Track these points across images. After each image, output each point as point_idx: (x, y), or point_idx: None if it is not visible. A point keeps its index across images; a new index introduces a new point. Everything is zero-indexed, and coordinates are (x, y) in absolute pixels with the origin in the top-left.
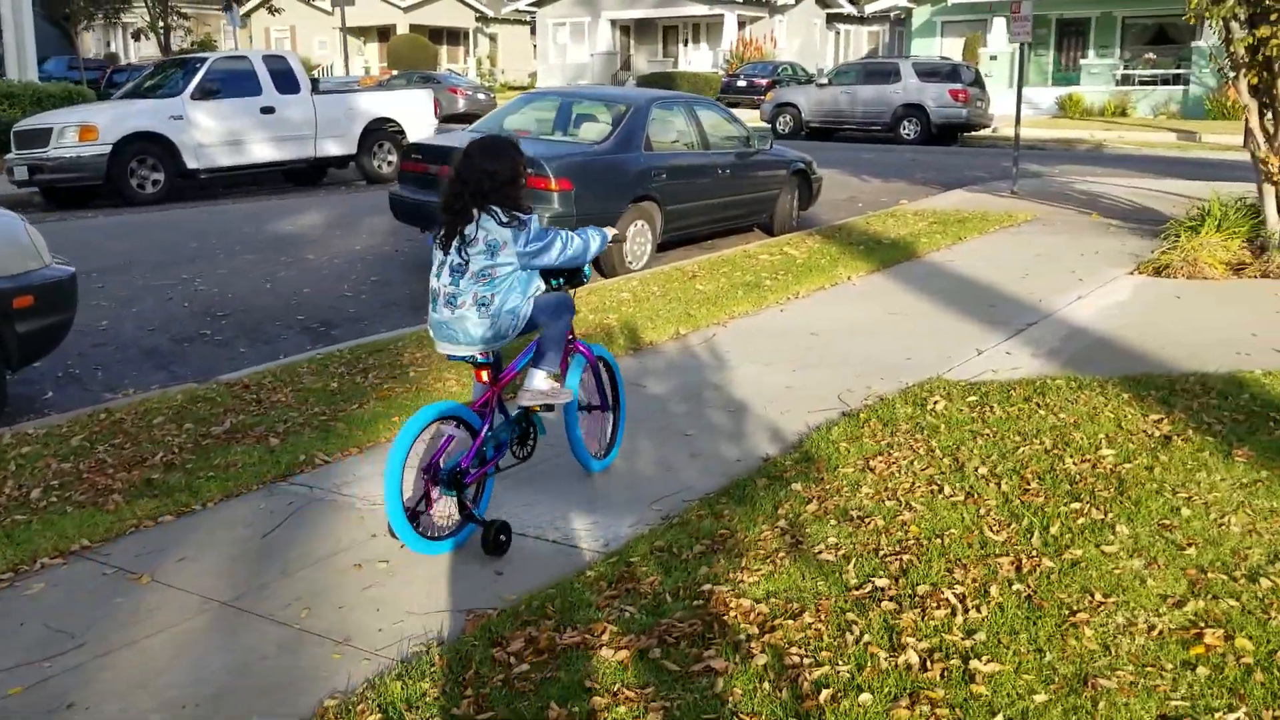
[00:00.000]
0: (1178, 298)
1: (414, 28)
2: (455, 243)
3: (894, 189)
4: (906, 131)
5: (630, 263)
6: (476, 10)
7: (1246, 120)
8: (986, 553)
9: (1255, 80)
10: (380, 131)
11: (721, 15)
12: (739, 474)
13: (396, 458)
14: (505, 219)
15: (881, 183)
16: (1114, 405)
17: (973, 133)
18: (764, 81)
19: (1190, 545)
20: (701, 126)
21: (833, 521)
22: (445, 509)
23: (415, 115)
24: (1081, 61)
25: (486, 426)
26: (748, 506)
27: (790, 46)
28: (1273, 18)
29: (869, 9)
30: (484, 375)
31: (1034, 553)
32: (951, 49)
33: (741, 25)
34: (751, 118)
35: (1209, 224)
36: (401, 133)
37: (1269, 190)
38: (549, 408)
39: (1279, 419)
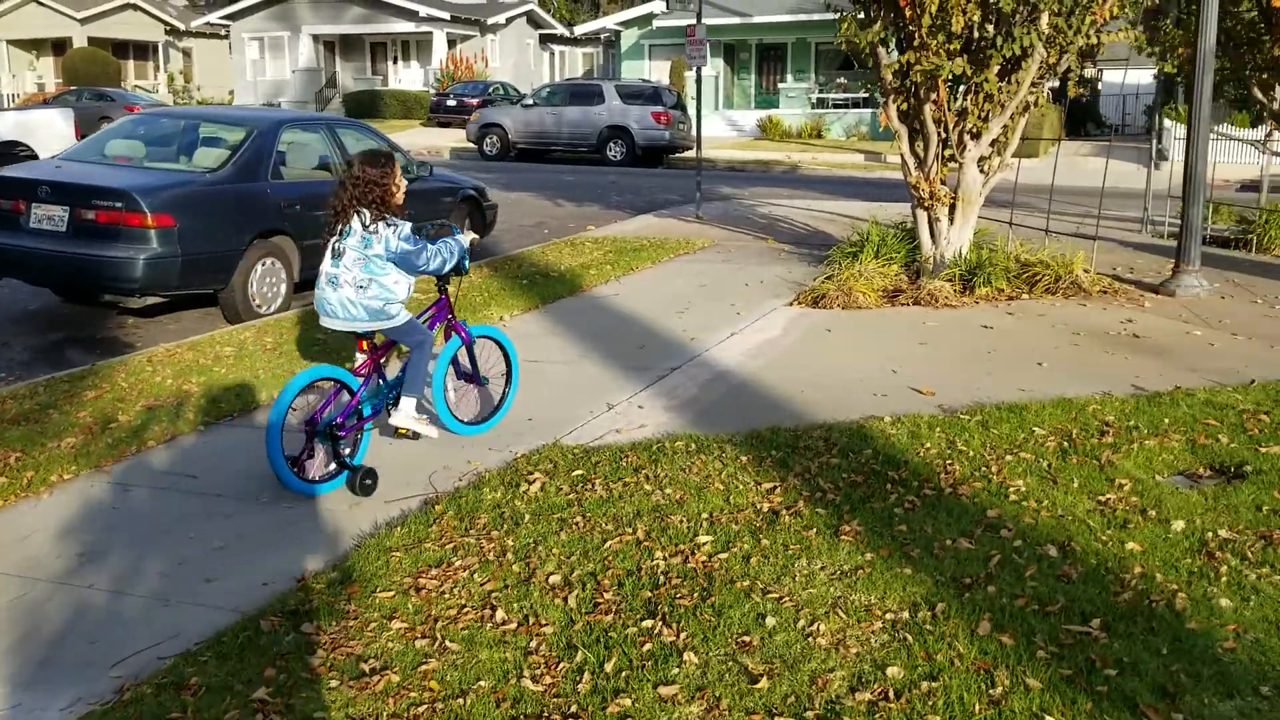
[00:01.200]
0: (828, 330)
1: (94, 41)
2: (338, 235)
3: (586, 214)
4: (613, 153)
5: (260, 306)
6: (165, 23)
7: (899, 146)
8: (517, 714)
9: (904, 106)
10: (9, 156)
11: (430, 33)
12: (252, 606)
13: (278, 411)
14: (370, 222)
15: (575, 207)
16: (729, 472)
17: (677, 154)
18: (475, 101)
19: (765, 674)
20: (346, 151)
21: (332, 682)
22: (323, 458)
23: (50, 137)
24: (780, 85)
25: (363, 388)
26: (233, 663)
27: (504, 66)
28: (916, 43)
29: (580, 30)
30: (364, 345)
31: (574, 709)
32: (659, 71)
33: (452, 43)
34: (460, 138)
35: (868, 250)
36: (34, 157)
37: (922, 215)
38: (414, 434)
39: (897, 479)
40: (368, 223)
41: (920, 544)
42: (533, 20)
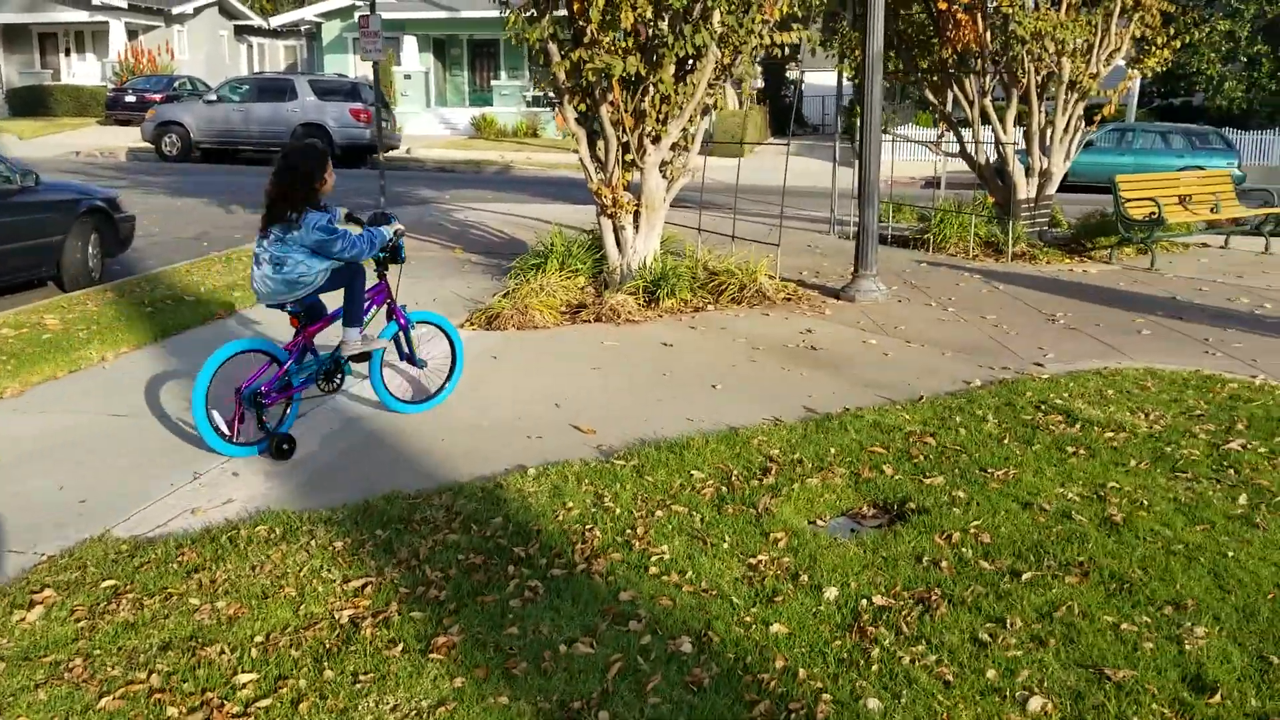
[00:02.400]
0: (495, 358)
1: None
2: (270, 222)
3: (256, 222)
4: None
5: None
6: None
7: (578, 150)
8: None
9: (582, 107)
10: None
11: (106, 23)
12: None
13: (203, 378)
14: (294, 213)
15: (250, 214)
16: (314, 566)
17: (382, 154)
18: (157, 97)
19: None
20: None
21: None
22: (251, 423)
23: None
24: (494, 83)
25: (291, 361)
26: None
27: (194, 59)
28: (587, 40)
29: (278, 22)
30: (295, 322)
31: None
32: (365, 66)
33: (133, 35)
34: (136, 138)
35: (552, 261)
36: None
37: (606, 224)
38: (364, 356)
39: (524, 556)
40: (291, 211)
41: (530, 653)
42: (225, 10)
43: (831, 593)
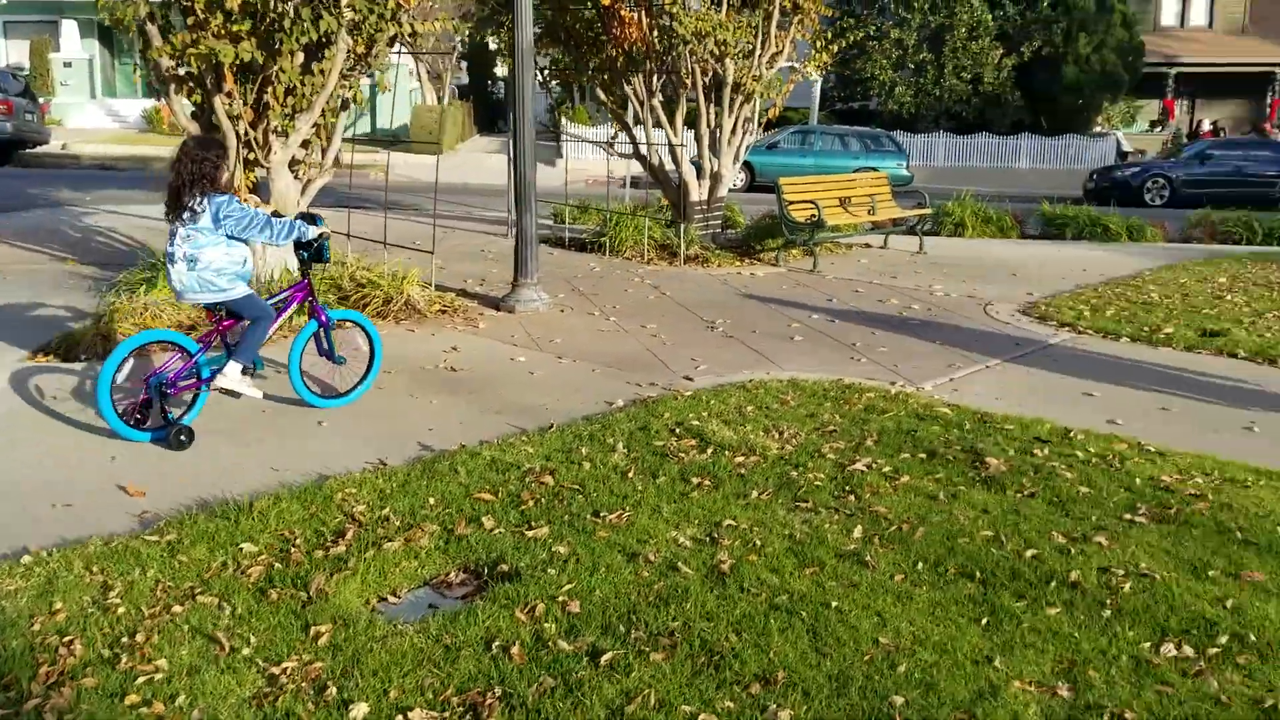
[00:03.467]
0: (55, 398)
1: None
2: (173, 214)
3: None
4: None
5: None
6: None
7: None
8: None
9: (196, 98)
10: None
11: None
12: None
13: (109, 366)
14: (200, 197)
15: None
16: None
17: (30, 150)
18: None
19: None
20: None
21: None
22: (157, 411)
23: None
24: None
25: (201, 353)
26: None
27: None
28: (192, 21)
29: None
30: (210, 315)
31: None
32: (18, 52)
33: None
34: None
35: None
36: None
37: None
38: (234, 393)
39: None
40: (195, 199)
41: None
42: None
43: (360, 710)
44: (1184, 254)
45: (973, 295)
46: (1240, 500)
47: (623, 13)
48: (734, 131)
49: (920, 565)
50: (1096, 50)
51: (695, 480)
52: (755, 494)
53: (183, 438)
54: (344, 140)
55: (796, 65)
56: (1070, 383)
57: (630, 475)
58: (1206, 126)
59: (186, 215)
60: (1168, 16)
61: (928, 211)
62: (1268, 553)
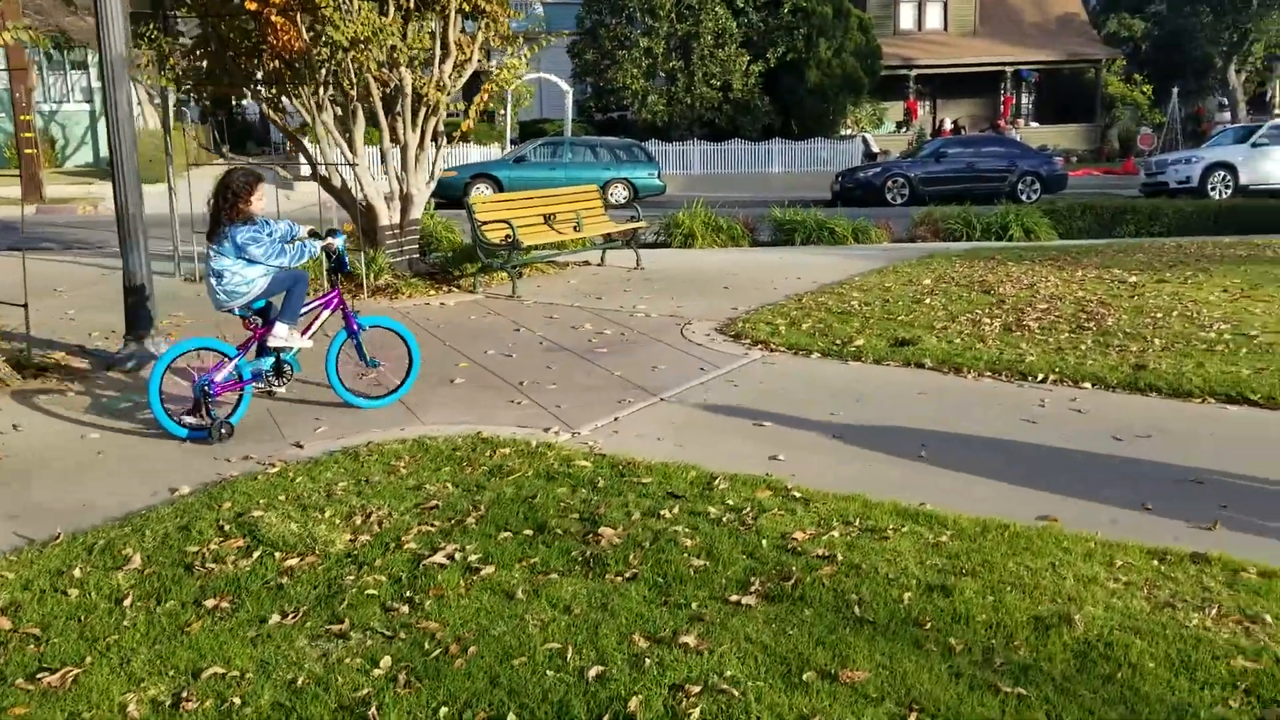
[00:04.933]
0: None
1: None
2: (210, 237)
3: None
4: None
5: None
6: None
7: None
8: None
9: None
10: None
11: None
12: None
13: (158, 369)
14: (226, 225)
15: None
16: None
17: None
18: None
19: None
20: None
21: None
22: (202, 411)
23: None
24: None
25: (240, 356)
26: None
27: None
28: None
29: None
30: (246, 324)
31: None
32: None
33: None
34: None
35: None
36: None
37: None
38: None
39: None
40: (224, 225)
41: None
42: None
43: None
44: (902, 254)
45: (675, 314)
46: (873, 559)
47: (273, 18)
48: (422, 147)
49: (443, 712)
50: (837, 54)
51: (210, 603)
52: (279, 618)
53: (223, 431)
54: (56, 171)
55: (553, 77)
56: (743, 413)
57: (127, 603)
58: (948, 125)
59: (216, 239)
60: (906, 20)
61: (640, 225)
62: (883, 635)
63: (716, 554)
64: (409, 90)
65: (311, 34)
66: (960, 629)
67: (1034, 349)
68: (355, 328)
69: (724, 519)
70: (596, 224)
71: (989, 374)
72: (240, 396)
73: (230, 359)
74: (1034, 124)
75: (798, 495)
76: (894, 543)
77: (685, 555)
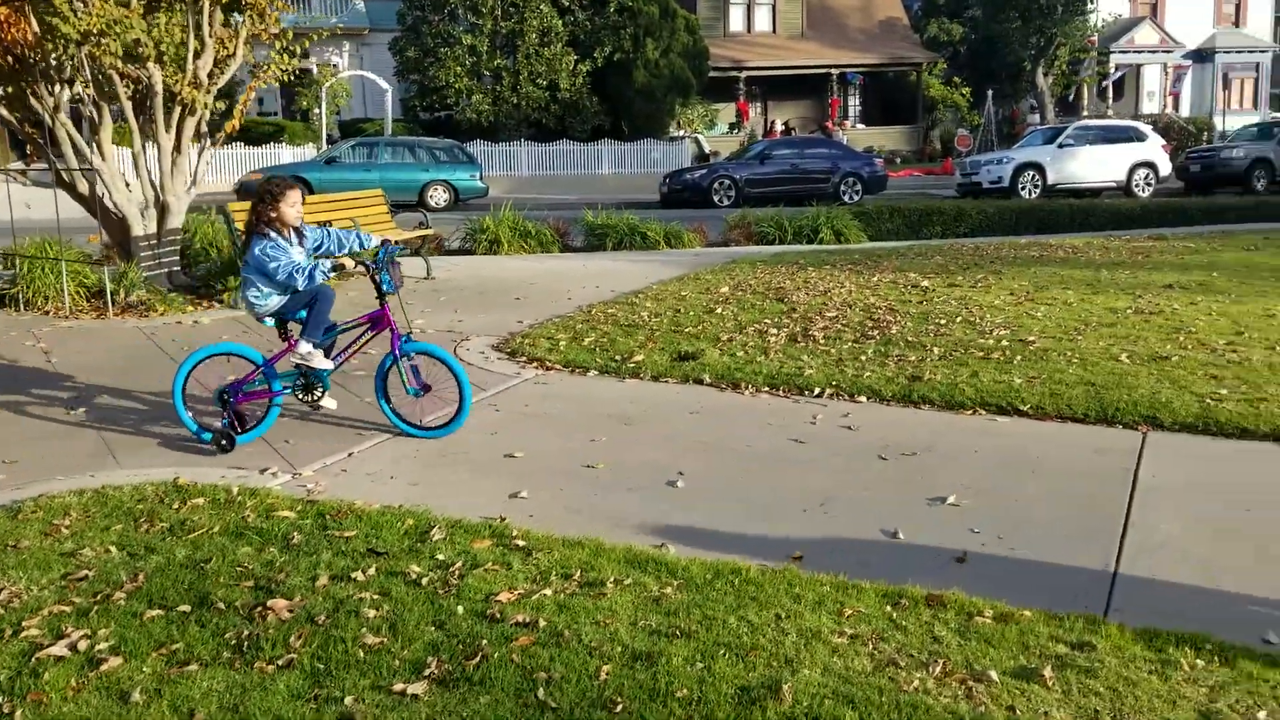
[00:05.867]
0: None
1: None
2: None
3: None
4: None
5: None
6: None
7: None
8: None
9: None
10: None
11: None
12: None
13: (181, 372)
14: (249, 237)
15: None
16: None
17: None
18: None
19: None
20: None
21: None
22: (229, 415)
23: None
24: None
25: (268, 365)
26: None
27: None
28: None
29: None
30: (280, 333)
31: None
32: None
33: None
34: None
35: None
36: None
37: None
38: (310, 370)
39: None
40: (250, 236)
41: None
42: None
43: None
44: (710, 260)
45: (453, 330)
46: (581, 622)
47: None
48: (179, 150)
49: None
50: (665, 55)
51: None
52: None
53: (223, 441)
54: None
55: (372, 75)
56: (497, 444)
57: None
58: (779, 126)
59: (244, 249)
60: (735, 23)
61: (428, 232)
62: None
63: (400, 627)
64: (159, 88)
65: (42, 27)
66: (656, 709)
67: (815, 361)
68: (398, 354)
69: (425, 579)
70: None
71: (767, 389)
72: (268, 409)
73: (257, 366)
74: (861, 125)
75: (520, 544)
76: (611, 599)
77: (362, 631)
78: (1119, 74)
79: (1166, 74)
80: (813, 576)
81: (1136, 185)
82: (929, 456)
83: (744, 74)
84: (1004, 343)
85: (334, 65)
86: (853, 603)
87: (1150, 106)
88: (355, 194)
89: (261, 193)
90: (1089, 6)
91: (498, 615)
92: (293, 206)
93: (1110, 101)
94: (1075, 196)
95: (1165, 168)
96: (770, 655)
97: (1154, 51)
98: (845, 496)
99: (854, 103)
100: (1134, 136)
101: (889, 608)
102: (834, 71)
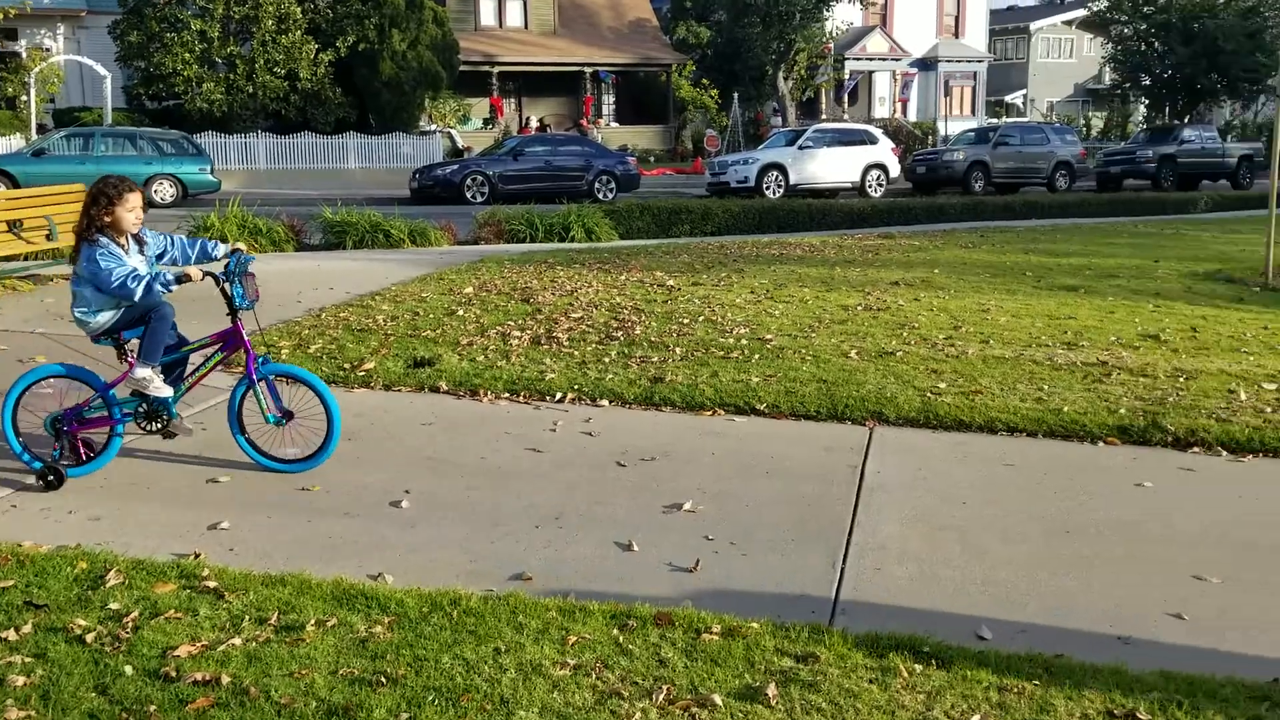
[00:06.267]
0: None
1: None
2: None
3: None
4: None
5: None
6: None
7: None
8: None
9: None
10: None
11: None
12: None
13: (9, 398)
14: (77, 240)
15: None
16: None
17: None
18: None
19: None
20: None
21: None
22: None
23: None
24: None
25: (109, 390)
26: None
27: None
28: None
29: None
30: (118, 354)
31: None
32: None
33: None
34: None
35: None
36: None
37: None
38: (146, 398)
39: None
40: (80, 242)
41: None
42: None
43: None
44: (457, 259)
45: None
46: (273, 674)
47: None
48: None
49: None
50: (412, 47)
51: None
52: None
53: (49, 478)
54: None
55: (89, 60)
56: (201, 465)
57: None
58: (534, 123)
59: (71, 257)
60: (487, 17)
61: (56, 244)
62: None
63: (53, 696)
64: None
65: None
66: None
67: (558, 364)
68: (255, 377)
69: (93, 635)
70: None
71: (507, 395)
72: (109, 439)
73: (97, 391)
74: (615, 124)
75: (211, 586)
76: (311, 645)
77: (6, 705)
78: (853, 80)
79: (896, 80)
80: (538, 601)
81: (870, 186)
82: (667, 462)
83: (497, 69)
84: (743, 342)
85: (46, 49)
86: (579, 628)
87: (882, 111)
88: (56, 189)
89: (95, 194)
90: (824, 14)
91: (173, 673)
92: (131, 211)
93: (846, 106)
94: (816, 196)
95: (895, 169)
96: (485, 697)
97: (884, 59)
98: (581, 509)
99: (608, 101)
100: (866, 139)
101: (616, 630)
102: (587, 70)
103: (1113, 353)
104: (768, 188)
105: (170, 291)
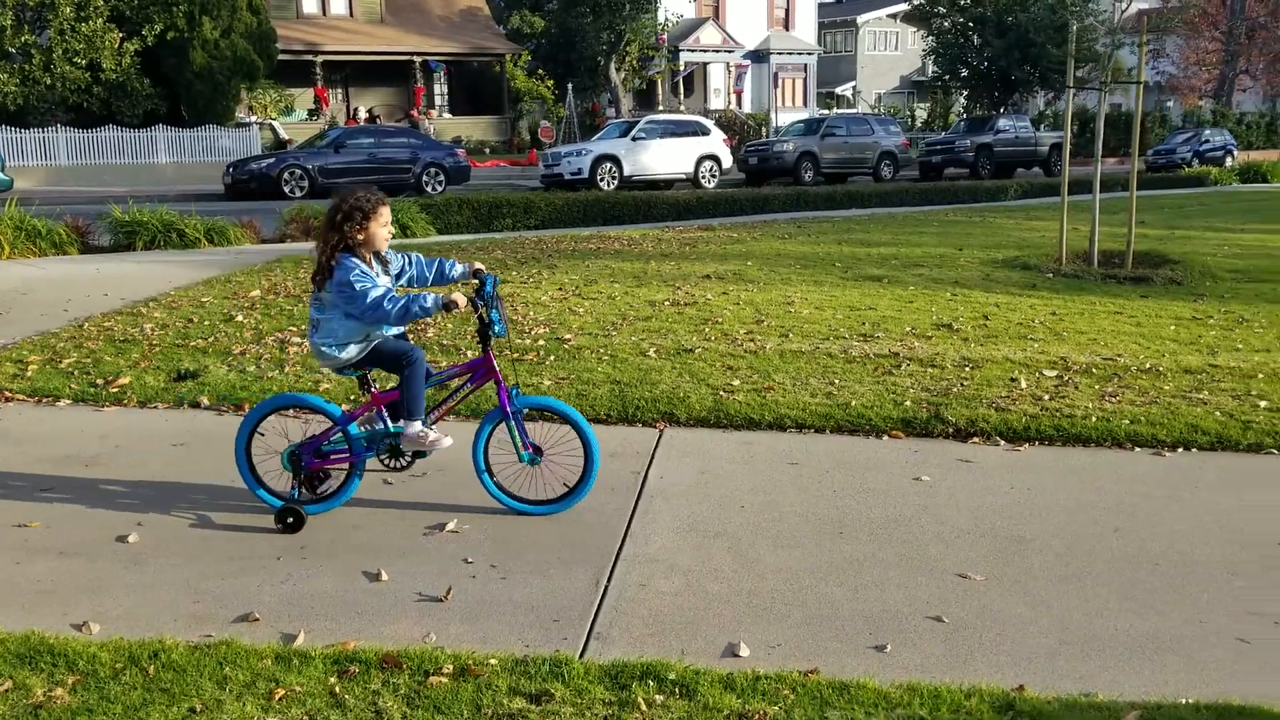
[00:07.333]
0: None
1: None
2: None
3: None
4: None
5: None
6: None
7: None
8: None
9: None
10: None
11: None
12: None
13: (242, 430)
14: (326, 260)
15: None
16: None
17: None
18: None
19: None
20: None
21: None
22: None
23: None
24: None
25: (348, 424)
26: None
27: None
28: None
29: None
30: (360, 386)
31: None
32: None
33: None
34: None
35: None
36: None
37: None
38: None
39: None
40: (328, 264)
41: None
42: None
43: None
44: (252, 258)
45: None
46: None
47: None
48: None
49: None
50: (225, 35)
51: None
52: None
53: (289, 520)
54: None
55: None
56: None
57: None
58: (363, 114)
59: (319, 278)
60: (310, 4)
61: None
62: None
63: None
64: None
65: None
66: None
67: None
68: (509, 410)
69: None
70: None
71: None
72: (349, 476)
73: (335, 423)
74: (449, 115)
75: None
76: None
77: None
78: (688, 71)
79: (730, 72)
80: (253, 648)
81: (703, 177)
82: (439, 476)
83: (320, 58)
84: (541, 342)
85: None
86: (292, 679)
87: (718, 102)
88: None
89: (348, 209)
90: (654, 4)
91: None
92: (384, 226)
93: (682, 97)
94: (651, 187)
95: (728, 160)
96: None
97: (718, 51)
98: (331, 535)
99: (441, 92)
100: (699, 130)
101: (334, 679)
102: (416, 59)
103: (905, 343)
104: (602, 179)
105: (428, 315)
